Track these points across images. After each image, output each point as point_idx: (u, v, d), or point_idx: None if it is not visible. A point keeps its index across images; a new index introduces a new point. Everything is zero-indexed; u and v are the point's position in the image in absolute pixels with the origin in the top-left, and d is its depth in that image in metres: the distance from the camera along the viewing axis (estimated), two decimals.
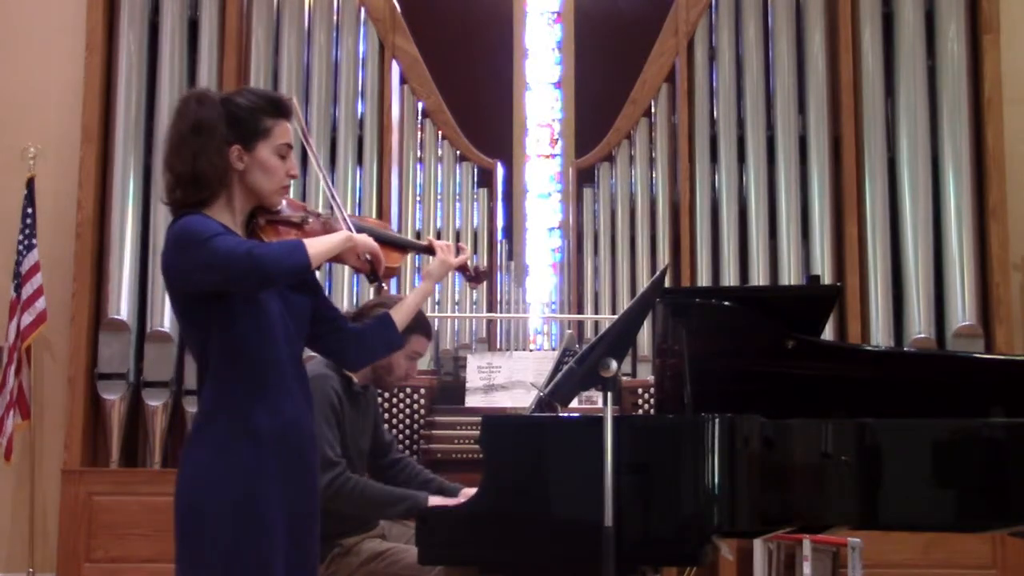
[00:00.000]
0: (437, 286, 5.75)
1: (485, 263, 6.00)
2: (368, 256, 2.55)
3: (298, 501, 2.47)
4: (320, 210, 2.70)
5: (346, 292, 5.81)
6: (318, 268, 2.52)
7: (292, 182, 2.57)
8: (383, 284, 2.64)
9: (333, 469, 3.32)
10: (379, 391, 4.81)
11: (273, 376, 2.46)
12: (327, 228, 2.61)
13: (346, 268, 5.59)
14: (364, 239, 2.54)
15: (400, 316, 2.73)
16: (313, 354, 2.85)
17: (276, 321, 2.47)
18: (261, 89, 2.62)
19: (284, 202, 2.58)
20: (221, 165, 2.45)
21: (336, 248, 2.48)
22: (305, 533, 2.50)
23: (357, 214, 5.97)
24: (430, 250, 2.79)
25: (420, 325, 3.53)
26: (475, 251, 6.03)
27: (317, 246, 2.43)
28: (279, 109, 2.51)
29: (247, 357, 2.44)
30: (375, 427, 3.69)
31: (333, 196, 2.64)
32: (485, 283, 5.93)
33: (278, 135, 2.49)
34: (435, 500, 3.33)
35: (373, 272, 2.58)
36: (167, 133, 2.52)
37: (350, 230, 2.59)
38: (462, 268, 2.85)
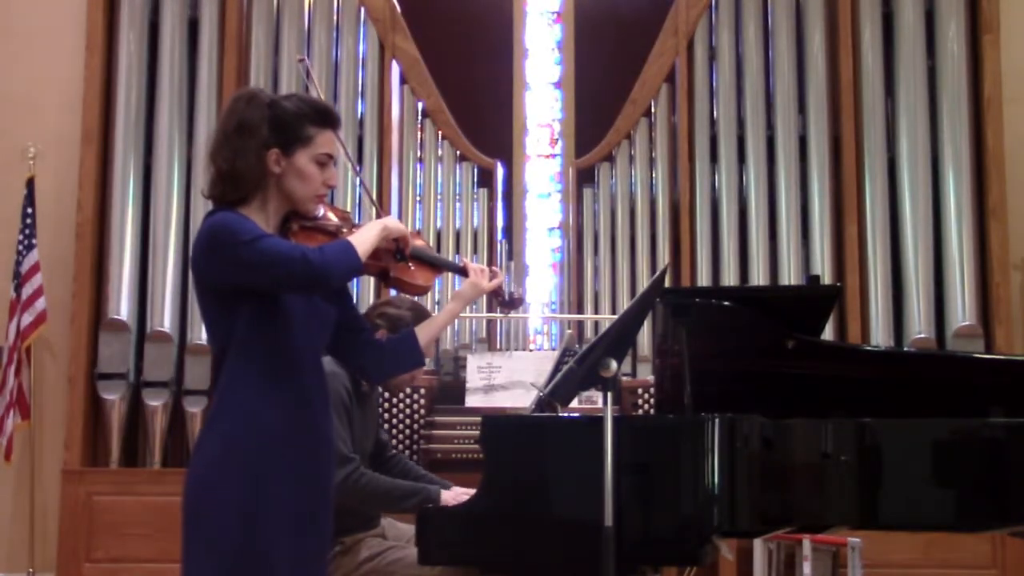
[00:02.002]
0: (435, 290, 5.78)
1: (515, 289, 5.98)
2: (396, 236, 2.58)
3: (308, 500, 2.47)
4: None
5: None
6: None
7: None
8: (405, 259, 2.64)
9: (347, 465, 3.32)
10: (382, 392, 4.83)
11: (289, 374, 2.46)
12: None
13: None
14: (395, 223, 2.58)
15: (426, 335, 2.74)
16: None
17: (299, 321, 2.48)
18: (310, 96, 2.63)
19: (322, 209, 2.58)
20: (259, 167, 2.46)
21: (377, 238, 2.52)
22: (315, 531, 2.49)
23: (357, 215, 5.98)
24: (464, 272, 2.79)
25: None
26: (475, 251, 6.03)
27: (363, 244, 2.47)
28: (325, 118, 2.52)
29: (265, 354, 2.44)
30: (376, 428, 3.70)
31: (376, 204, 2.63)
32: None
33: (320, 144, 2.50)
34: (447, 496, 3.34)
35: (399, 251, 2.58)
36: (215, 128, 2.55)
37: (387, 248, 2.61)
38: (496, 293, 2.85)
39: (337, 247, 2.44)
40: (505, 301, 2.87)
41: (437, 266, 2.74)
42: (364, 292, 5.77)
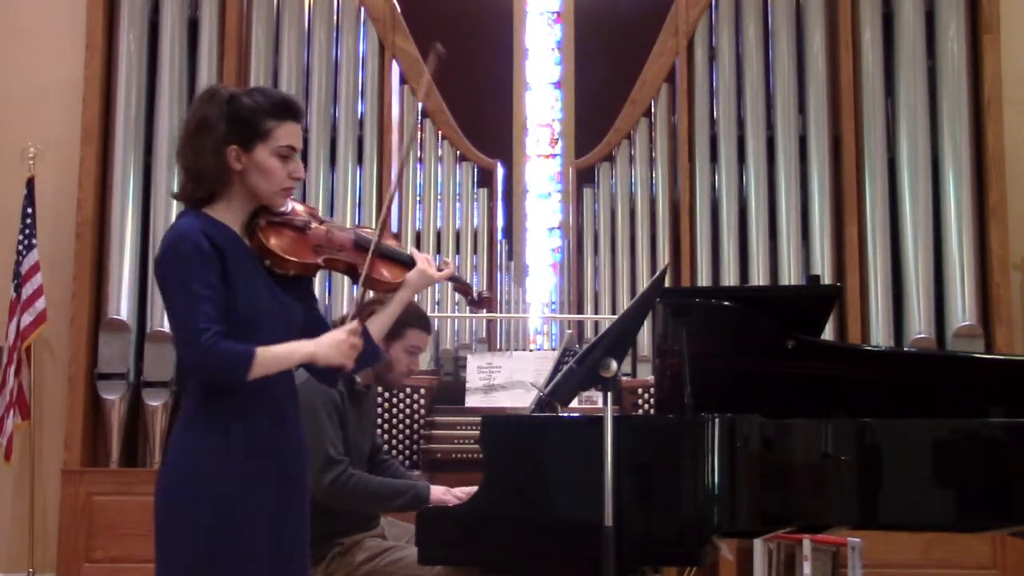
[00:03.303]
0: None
1: (486, 274, 6.00)
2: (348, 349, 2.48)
3: (281, 503, 2.44)
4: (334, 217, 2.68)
5: (345, 296, 5.81)
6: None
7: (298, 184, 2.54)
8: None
9: (335, 468, 3.32)
10: (380, 392, 4.83)
11: (258, 383, 2.42)
12: (330, 234, 2.58)
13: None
14: (326, 353, 2.45)
15: (378, 328, 2.67)
16: None
17: (267, 328, 2.44)
18: (271, 90, 2.59)
19: (290, 204, 2.56)
20: (218, 164, 2.44)
21: (294, 363, 2.43)
22: (288, 534, 2.46)
23: (357, 215, 5.98)
24: (413, 262, 2.72)
25: (417, 319, 3.52)
26: (475, 251, 6.03)
27: (268, 364, 2.38)
28: (284, 111, 2.48)
29: None
30: (374, 429, 3.70)
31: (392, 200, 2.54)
32: (485, 283, 5.94)
33: (280, 137, 2.46)
34: (438, 491, 3.34)
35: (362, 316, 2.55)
36: (180, 127, 2.54)
37: (356, 243, 2.57)
38: (464, 292, 2.84)
39: (235, 356, 2.35)
40: (474, 300, 2.85)
41: (397, 260, 2.68)
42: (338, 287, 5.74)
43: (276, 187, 2.48)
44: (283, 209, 2.55)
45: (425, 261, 2.68)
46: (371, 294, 2.78)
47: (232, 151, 2.44)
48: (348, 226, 2.70)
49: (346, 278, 2.78)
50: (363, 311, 2.53)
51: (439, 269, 2.73)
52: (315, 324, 2.61)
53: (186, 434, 2.43)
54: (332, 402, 3.37)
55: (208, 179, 2.45)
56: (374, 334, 2.64)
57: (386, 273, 2.63)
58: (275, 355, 2.40)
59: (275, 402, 2.46)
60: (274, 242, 2.49)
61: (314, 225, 2.57)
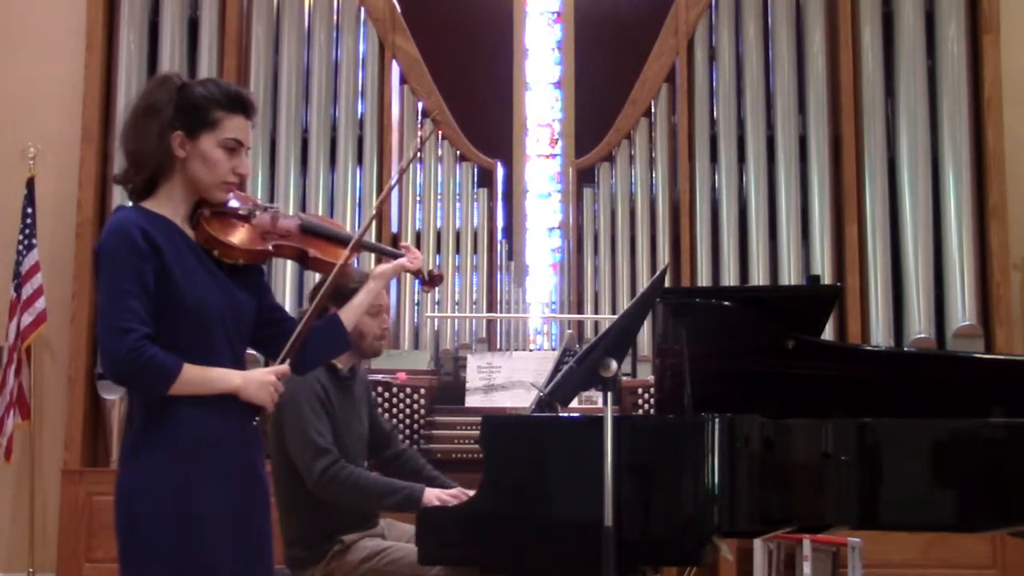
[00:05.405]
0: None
1: (480, 265, 6.00)
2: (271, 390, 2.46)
3: (242, 501, 2.42)
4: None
5: (289, 285, 5.81)
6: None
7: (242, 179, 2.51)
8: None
9: (325, 457, 3.31)
10: (380, 392, 4.83)
11: None
12: (275, 221, 2.55)
13: (288, 263, 5.59)
14: (251, 392, 2.42)
15: (349, 317, 2.66)
16: None
17: (216, 321, 2.41)
18: (226, 83, 2.53)
19: (235, 200, 2.52)
20: (162, 149, 2.40)
21: (217, 391, 2.38)
22: (252, 532, 2.44)
23: (357, 214, 5.98)
24: (391, 254, 2.72)
25: (360, 283, 3.50)
26: (475, 251, 6.03)
27: (192, 384, 2.35)
28: (235, 104, 2.45)
29: (184, 357, 2.36)
30: (371, 413, 3.68)
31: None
32: (485, 283, 5.94)
33: (227, 128, 2.43)
34: (431, 493, 3.33)
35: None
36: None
37: (303, 228, 2.57)
38: (417, 272, 2.82)
39: (164, 366, 2.32)
40: (426, 280, 2.83)
41: (342, 241, 2.65)
42: (307, 281, 5.72)
43: (217, 179, 2.45)
44: (225, 203, 2.51)
45: (405, 249, 2.69)
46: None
47: (177, 137, 2.41)
48: (292, 213, 2.68)
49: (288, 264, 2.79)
50: (294, 350, 2.51)
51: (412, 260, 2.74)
52: (270, 313, 2.59)
53: (141, 436, 2.39)
54: (315, 395, 3.37)
55: (149, 164, 2.42)
56: (346, 324, 2.64)
57: (333, 254, 2.59)
58: (200, 377, 2.36)
59: (230, 395, 2.41)
60: (220, 231, 2.46)
61: (259, 213, 2.54)
